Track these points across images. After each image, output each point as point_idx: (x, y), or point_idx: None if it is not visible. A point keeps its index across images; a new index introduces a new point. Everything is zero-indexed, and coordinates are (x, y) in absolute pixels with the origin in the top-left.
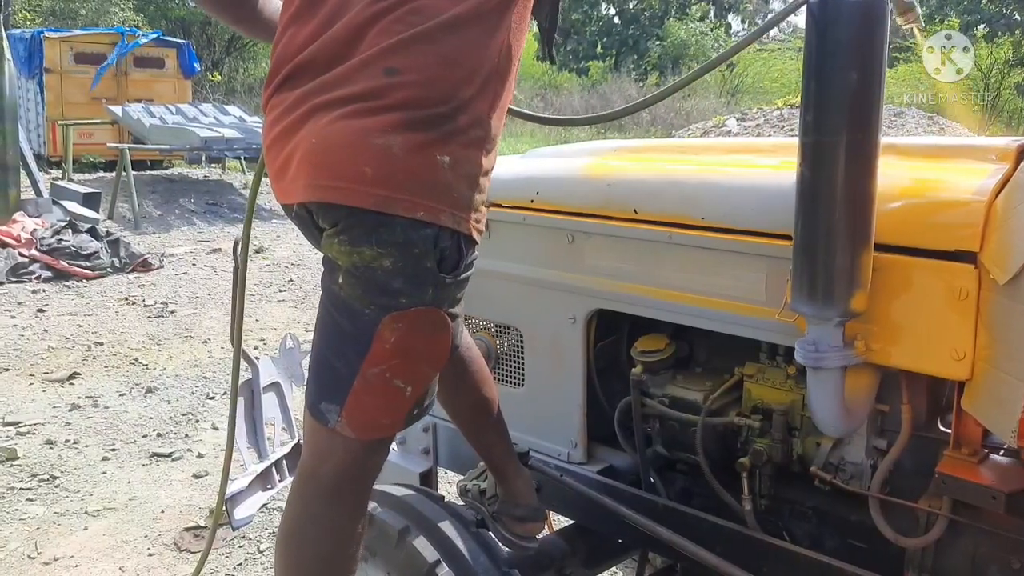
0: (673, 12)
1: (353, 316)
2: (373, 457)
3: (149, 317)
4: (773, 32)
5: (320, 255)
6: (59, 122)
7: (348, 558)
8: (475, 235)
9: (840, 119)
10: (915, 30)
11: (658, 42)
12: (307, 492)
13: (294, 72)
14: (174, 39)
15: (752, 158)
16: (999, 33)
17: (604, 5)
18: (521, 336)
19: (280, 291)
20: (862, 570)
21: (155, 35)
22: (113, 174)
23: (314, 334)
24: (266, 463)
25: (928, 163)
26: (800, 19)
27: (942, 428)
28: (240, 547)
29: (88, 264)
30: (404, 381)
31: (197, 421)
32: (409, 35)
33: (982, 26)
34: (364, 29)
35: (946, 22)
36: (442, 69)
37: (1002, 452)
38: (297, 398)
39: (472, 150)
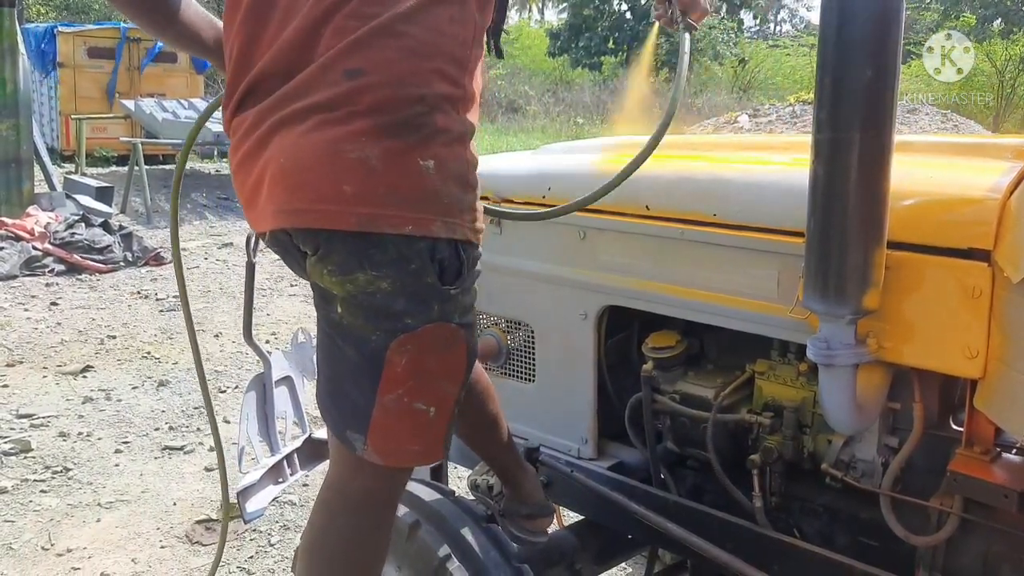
0: None
1: (359, 344)
2: (401, 478)
3: (161, 311)
4: (785, 28)
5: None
6: (72, 116)
7: (371, 572)
8: (473, 237)
9: (854, 116)
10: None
11: (665, 38)
12: (334, 506)
13: (251, 89)
14: None
15: (765, 155)
16: (1015, 29)
17: (616, 0)
18: (532, 332)
19: (291, 285)
20: (873, 568)
21: None
22: (126, 168)
23: (318, 358)
24: (277, 457)
25: (942, 160)
26: (814, 14)
27: (954, 426)
28: (251, 540)
29: (101, 258)
30: (426, 403)
31: None
32: (367, 30)
33: (999, 21)
34: (317, 30)
35: (960, 18)
36: (409, 64)
37: (1015, 451)
38: (309, 392)
39: (456, 147)
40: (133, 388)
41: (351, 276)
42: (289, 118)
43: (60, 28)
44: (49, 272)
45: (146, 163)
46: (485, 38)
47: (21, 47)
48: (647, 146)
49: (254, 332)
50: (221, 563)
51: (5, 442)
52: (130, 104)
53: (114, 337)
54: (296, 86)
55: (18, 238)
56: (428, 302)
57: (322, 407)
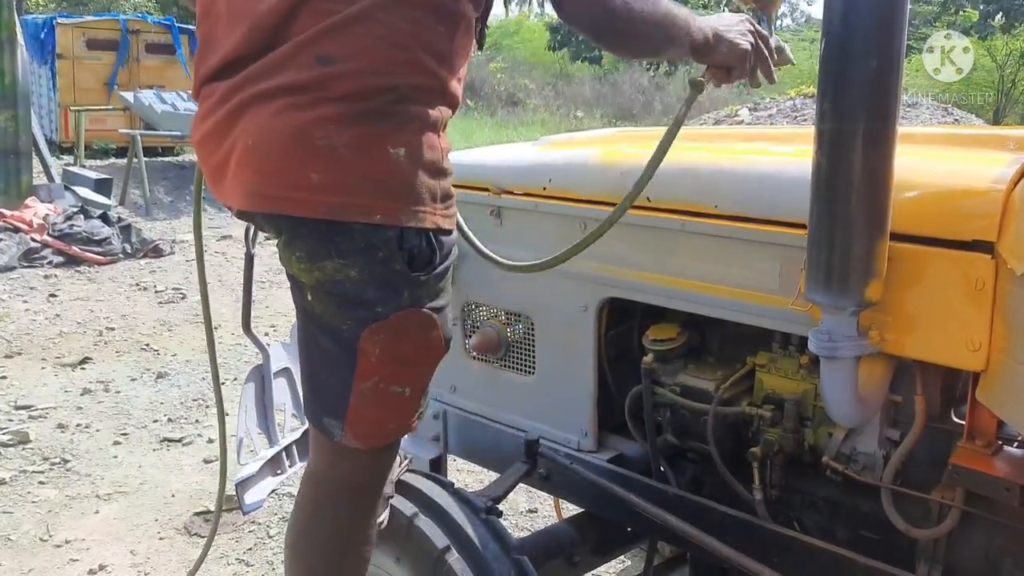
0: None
1: (331, 333)
2: (382, 460)
3: (160, 303)
4: (786, 22)
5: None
6: (71, 108)
7: (359, 559)
8: (445, 224)
9: (858, 106)
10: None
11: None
12: (318, 494)
13: (226, 62)
14: (186, 25)
15: (767, 146)
16: (1016, 24)
17: None
18: (532, 324)
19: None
20: (873, 561)
21: (167, 21)
22: (125, 160)
23: (299, 345)
24: (276, 449)
25: (945, 152)
26: (815, 8)
27: (956, 419)
28: (250, 532)
29: (100, 250)
30: (401, 385)
31: (207, 406)
32: (344, 16)
33: (1000, 16)
34: (294, 10)
35: (961, 13)
36: (384, 53)
37: (1017, 444)
38: None
39: (428, 133)
40: (132, 380)
41: (319, 264)
42: (258, 96)
43: (59, 19)
44: (48, 264)
45: (145, 155)
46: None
47: (20, 38)
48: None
49: (253, 324)
50: (220, 556)
51: (3, 433)
52: (129, 96)
53: (113, 329)
54: (268, 63)
55: (16, 230)
56: (398, 290)
57: (303, 396)
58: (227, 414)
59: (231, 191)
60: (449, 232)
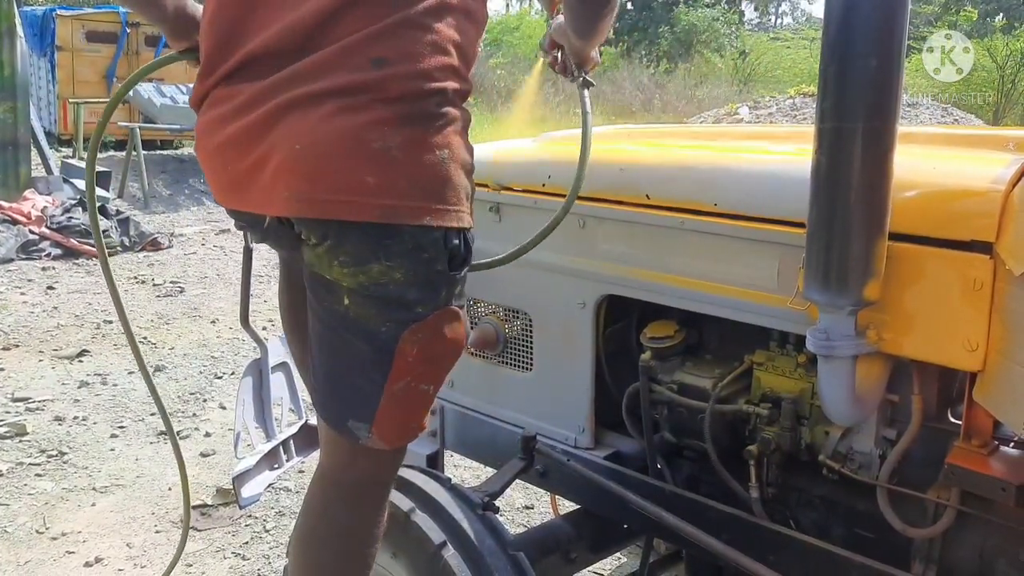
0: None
1: (368, 336)
2: (397, 459)
3: (158, 296)
4: (786, 20)
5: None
6: (70, 100)
7: (367, 557)
8: (472, 222)
9: (858, 106)
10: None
11: (668, 28)
12: (330, 496)
13: (248, 61)
14: None
15: (766, 145)
16: (1016, 24)
17: None
18: (530, 320)
19: None
20: (869, 560)
21: None
22: (123, 153)
23: (315, 348)
24: (273, 443)
25: (945, 152)
26: (815, 7)
27: (952, 419)
28: (247, 526)
29: None
30: (427, 383)
31: (205, 400)
32: (394, 20)
33: (1000, 16)
34: (340, 12)
35: (962, 12)
36: (433, 59)
37: (1013, 444)
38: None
39: (463, 134)
40: (129, 373)
41: (365, 267)
42: (301, 99)
43: (59, 11)
44: (46, 256)
45: (144, 148)
46: None
47: (19, 30)
48: (561, 211)
49: (251, 318)
50: (216, 550)
51: (1, 426)
52: None
53: (110, 322)
54: (314, 64)
55: (15, 222)
56: (437, 289)
57: (318, 400)
58: (223, 408)
59: (266, 198)
60: (471, 228)
